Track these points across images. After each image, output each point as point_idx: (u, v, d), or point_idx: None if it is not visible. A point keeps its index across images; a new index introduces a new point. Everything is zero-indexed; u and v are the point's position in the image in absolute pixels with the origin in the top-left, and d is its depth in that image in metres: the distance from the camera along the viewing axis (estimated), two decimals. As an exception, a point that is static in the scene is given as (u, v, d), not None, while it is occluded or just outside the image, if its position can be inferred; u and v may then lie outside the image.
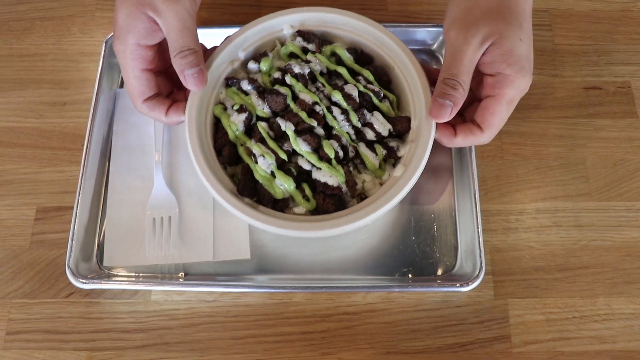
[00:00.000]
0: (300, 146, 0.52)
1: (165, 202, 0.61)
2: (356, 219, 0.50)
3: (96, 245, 0.61)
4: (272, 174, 0.52)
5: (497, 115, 0.50)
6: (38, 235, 0.61)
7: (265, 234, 0.60)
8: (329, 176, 0.51)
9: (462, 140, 0.52)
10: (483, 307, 0.58)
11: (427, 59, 0.69)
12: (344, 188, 0.52)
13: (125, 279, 0.59)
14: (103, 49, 0.66)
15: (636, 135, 0.65)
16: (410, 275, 0.59)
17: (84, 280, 0.57)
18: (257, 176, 0.52)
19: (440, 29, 0.67)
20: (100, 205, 0.62)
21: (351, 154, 0.53)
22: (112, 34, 0.67)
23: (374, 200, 0.51)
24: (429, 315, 0.58)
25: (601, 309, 0.58)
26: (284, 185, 0.51)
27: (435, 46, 0.69)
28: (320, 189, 0.52)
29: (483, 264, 0.56)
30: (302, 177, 0.53)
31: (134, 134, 0.65)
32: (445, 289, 0.57)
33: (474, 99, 0.54)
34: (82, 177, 0.60)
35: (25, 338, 0.58)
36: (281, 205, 0.52)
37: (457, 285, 0.56)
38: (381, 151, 0.53)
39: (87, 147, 0.61)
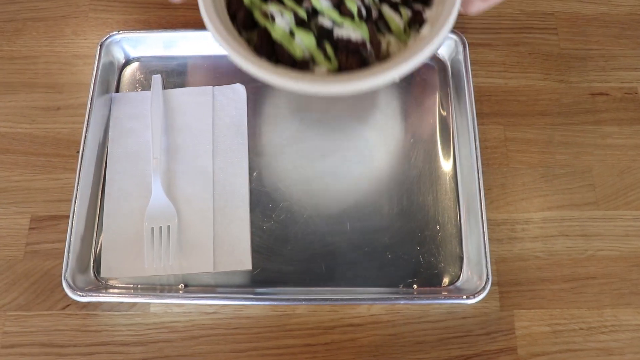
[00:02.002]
0: (321, 2, 0.48)
1: (163, 211, 0.59)
2: (383, 71, 0.44)
3: (93, 256, 0.59)
4: (291, 33, 0.48)
5: None
6: (32, 245, 0.60)
7: (268, 243, 0.59)
8: (352, 31, 0.47)
9: None
10: (489, 318, 0.58)
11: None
12: (368, 46, 0.48)
13: (124, 290, 0.58)
14: (98, 52, 0.64)
15: (643, 142, 0.64)
16: (415, 286, 0.58)
17: (81, 293, 0.55)
18: (274, 35, 0.47)
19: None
20: (96, 214, 0.61)
21: (374, 15, 0.49)
22: (107, 36, 0.65)
23: (401, 57, 0.45)
24: (434, 327, 0.57)
25: (608, 320, 0.57)
26: (303, 42, 0.47)
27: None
28: (343, 45, 0.48)
29: (490, 276, 0.55)
30: (322, 38, 0.49)
31: (130, 140, 0.63)
32: (451, 301, 0.56)
33: None
34: (77, 185, 0.58)
35: (20, 352, 0.56)
36: (301, 66, 0.48)
37: (464, 297, 0.55)
38: (406, 13, 0.49)
39: (82, 153, 0.60)
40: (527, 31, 0.70)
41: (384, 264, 0.59)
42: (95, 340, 0.57)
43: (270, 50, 0.48)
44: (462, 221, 0.60)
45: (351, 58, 0.47)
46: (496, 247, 0.60)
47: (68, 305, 0.58)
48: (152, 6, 0.71)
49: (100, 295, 0.56)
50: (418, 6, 0.50)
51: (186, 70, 0.67)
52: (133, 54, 0.67)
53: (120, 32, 0.66)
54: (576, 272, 0.59)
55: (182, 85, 0.66)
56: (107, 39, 0.65)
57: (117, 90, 0.66)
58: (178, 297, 0.57)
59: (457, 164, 0.63)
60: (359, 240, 0.60)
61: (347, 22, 0.47)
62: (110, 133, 0.63)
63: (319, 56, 0.48)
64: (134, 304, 0.58)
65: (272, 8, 0.48)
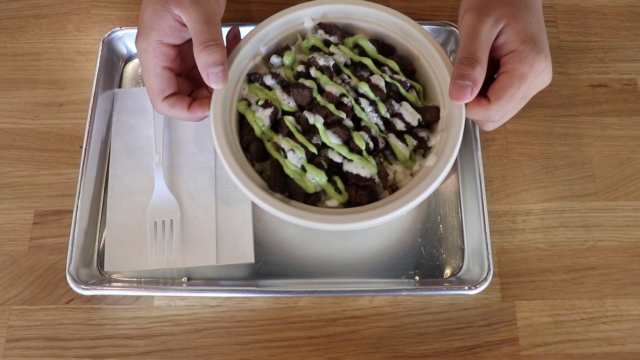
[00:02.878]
0: (330, 139, 0.51)
1: (166, 205, 0.60)
2: (392, 210, 0.49)
3: (96, 250, 0.60)
4: (303, 168, 0.51)
5: (506, 90, 0.50)
6: (37, 240, 0.60)
7: (270, 236, 0.60)
8: (361, 168, 0.51)
9: (468, 110, 0.51)
10: (490, 309, 0.58)
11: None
12: (377, 179, 0.51)
13: (127, 284, 0.58)
14: (100, 48, 0.65)
15: (643, 133, 0.65)
16: (417, 278, 0.58)
17: (85, 287, 0.56)
18: (287, 171, 0.51)
19: (444, 27, 0.66)
20: (100, 209, 0.61)
21: (381, 145, 0.53)
22: (109, 32, 0.66)
23: (408, 191, 0.50)
24: (436, 318, 0.58)
25: (609, 311, 0.58)
26: (315, 179, 0.51)
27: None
28: (353, 181, 0.51)
29: (491, 267, 0.56)
30: (332, 170, 0.52)
31: (133, 135, 0.63)
32: (453, 292, 0.57)
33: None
34: (81, 180, 0.59)
35: (25, 345, 0.57)
36: (313, 199, 0.52)
37: (465, 288, 0.56)
38: (411, 141, 0.53)
39: (85, 149, 0.60)
40: (526, 24, 0.70)
41: (386, 256, 0.59)
42: (99, 334, 0.57)
43: (283, 183, 0.51)
44: (463, 213, 0.61)
45: (361, 192, 0.51)
46: (497, 239, 0.60)
47: (72, 299, 0.58)
48: (153, 2, 0.71)
49: (104, 288, 0.56)
50: (423, 133, 0.53)
51: (188, 65, 0.67)
52: (135, 49, 0.67)
53: (122, 28, 0.66)
54: (577, 262, 0.59)
55: (183, 80, 0.66)
56: (109, 35, 0.66)
57: (120, 86, 0.67)
58: (181, 290, 0.57)
59: (457, 156, 0.63)
60: (361, 232, 0.60)
61: (356, 158, 0.51)
62: (112, 128, 0.64)
63: (330, 190, 0.51)
64: (138, 297, 0.58)
65: (284, 144, 0.51)
